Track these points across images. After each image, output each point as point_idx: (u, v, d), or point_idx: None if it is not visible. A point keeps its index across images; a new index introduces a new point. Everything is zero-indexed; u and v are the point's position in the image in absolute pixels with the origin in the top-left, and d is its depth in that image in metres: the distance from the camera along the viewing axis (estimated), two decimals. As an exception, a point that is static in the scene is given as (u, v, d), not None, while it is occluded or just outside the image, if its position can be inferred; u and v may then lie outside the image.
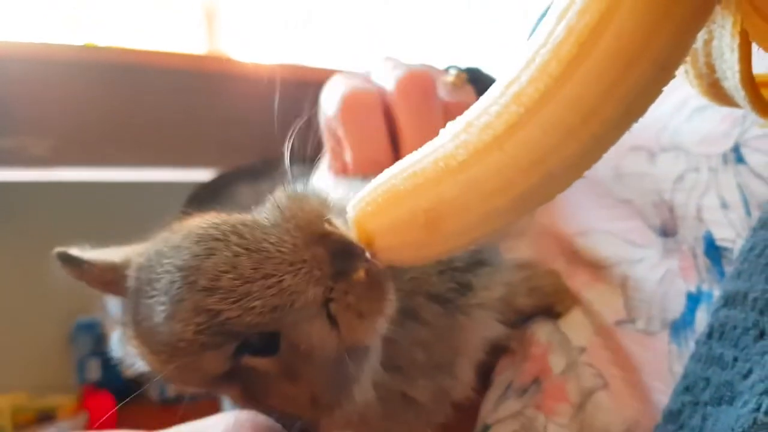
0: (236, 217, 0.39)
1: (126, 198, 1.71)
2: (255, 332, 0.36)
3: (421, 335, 0.44)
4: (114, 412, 1.45)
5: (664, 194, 0.47)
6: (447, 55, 1.65)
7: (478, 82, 0.62)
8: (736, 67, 0.28)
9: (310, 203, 0.39)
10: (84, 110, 1.40)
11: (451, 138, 0.30)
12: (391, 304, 0.38)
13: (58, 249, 0.45)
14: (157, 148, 1.60)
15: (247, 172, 1.43)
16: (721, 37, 0.28)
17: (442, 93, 0.56)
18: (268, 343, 0.37)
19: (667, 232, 0.47)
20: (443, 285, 0.45)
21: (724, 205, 0.43)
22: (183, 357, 0.38)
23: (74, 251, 0.45)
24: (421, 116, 0.53)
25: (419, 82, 0.54)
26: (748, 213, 0.41)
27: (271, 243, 0.36)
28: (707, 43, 0.29)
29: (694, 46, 0.29)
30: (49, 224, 1.60)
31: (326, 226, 0.36)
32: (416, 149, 0.31)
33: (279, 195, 0.40)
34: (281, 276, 0.35)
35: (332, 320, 0.36)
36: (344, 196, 0.42)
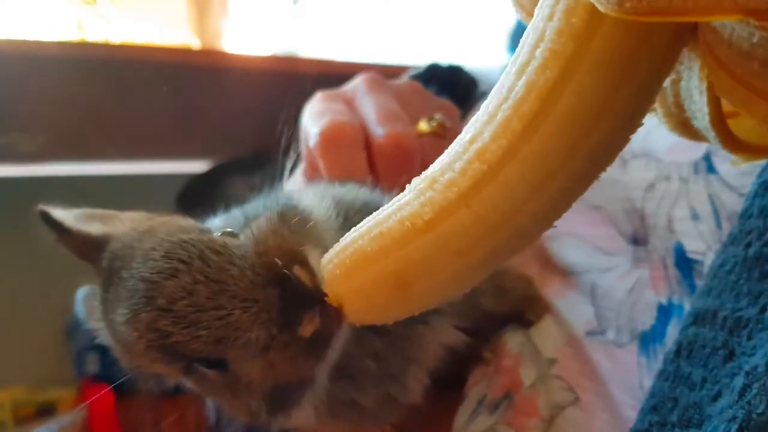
0: (208, 240, 0.39)
1: (118, 192, 1.69)
2: (202, 357, 0.38)
3: (375, 346, 0.44)
4: (113, 405, 1.46)
5: (636, 202, 0.46)
6: (437, 48, 1.62)
7: (459, 81, 0.61)
8: (706, 109, 0.27)
9: (289, 238, 0.39)
10: (74, 106, 1.38)
11: (416, 195, 0.29)
12: (329, 359, 0.40)
13: (41, 207, 0.46)
14: (148, 142, 1.58)
15: (240, 164, 1.41)
16: (689, 79, 0.27)
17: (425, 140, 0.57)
18: (216, 362, 0.39)
19: (638, 240, 0.46)
20: None
21: (695, 216, 0.42)
22: (136, 360, 0.40)
23: (57, 213, 0.46)
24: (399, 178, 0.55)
25: (399, 148, 0.54)
26: (719, 225, 0.40)
27: (231, 276, 0.37)
28: (675, 83, 0.28)
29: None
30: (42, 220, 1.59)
31: (294, 268, 0.37)
32: None
33: (261, 222, 0.41)
34: (231, 310, 0.36)
35: (271, 363, 0.38)
36: (327, 211, 0.45)
